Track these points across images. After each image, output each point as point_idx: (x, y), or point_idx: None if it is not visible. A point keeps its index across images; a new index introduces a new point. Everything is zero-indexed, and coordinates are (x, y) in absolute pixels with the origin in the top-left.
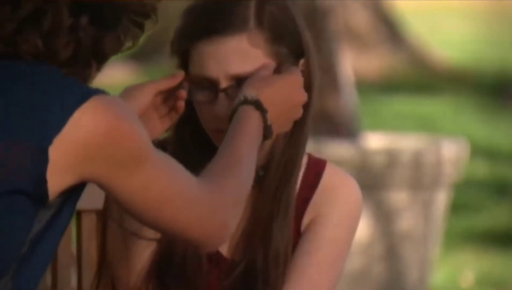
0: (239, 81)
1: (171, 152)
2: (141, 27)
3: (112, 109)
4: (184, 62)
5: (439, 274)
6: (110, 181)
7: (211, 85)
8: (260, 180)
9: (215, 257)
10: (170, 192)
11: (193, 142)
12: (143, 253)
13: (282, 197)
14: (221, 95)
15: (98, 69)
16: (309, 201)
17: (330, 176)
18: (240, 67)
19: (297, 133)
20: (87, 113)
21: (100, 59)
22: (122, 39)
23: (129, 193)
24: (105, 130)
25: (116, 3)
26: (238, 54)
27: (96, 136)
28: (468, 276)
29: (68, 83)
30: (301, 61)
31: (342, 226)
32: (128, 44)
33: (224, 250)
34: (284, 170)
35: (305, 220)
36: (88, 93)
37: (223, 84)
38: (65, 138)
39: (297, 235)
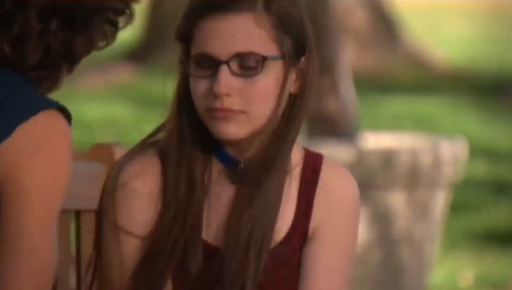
0: (242, 59)
1: (168, 146)
2: (115, 24)
3: (50, 133)
4: (187, 46)
5: (438, 274)
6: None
7: (212, 61)
8: (242, 172)
9: (212, 254)
10: (34, 241)
11: (191, 134)
12: (135, 252)
13: (260, 188)
14: (222, 69)
15: (70, 70)
16: (312, 202)
17: (329, 174)
18: (243, 45)
19: (286, 129)
20: (29, 127)
21: (71, 61)
22: (94, 39)
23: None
24: (35, 148)
25: (87, 3)
26: (243, 32)
27: (27, 152)
28: (467, 276)
29: (25, 94)
30: (302, 59)
31: (349, 231)
32: (103, 43)
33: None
34: (265, 162)
35: (312, 224)
36: (39, 107)
37: (225, 58)
38: (7, 147)
39: (303, 238)
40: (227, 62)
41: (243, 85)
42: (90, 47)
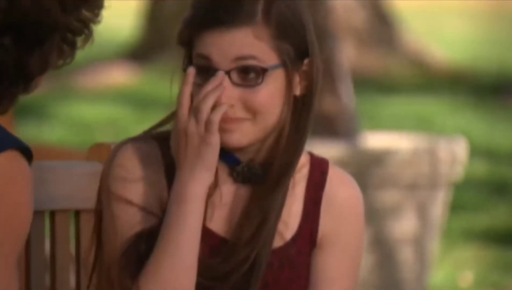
0: (241, 70)
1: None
2: (73, 44)
3: (11, 176)
4: (189, 52)
5: (438, 274)
6: None
7: (212, 69)
8: (258, 177)
9: (217, 245)
10: None
11: None
12: (131, 221)
13: (273, 188)
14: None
15: (25, 90)
16: (319, 205)
17: (335, 182)
18: (243, 56)
19: (299, 134)
20: None
21: (25, 79)
22: (49, 57)
23: None
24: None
25: (42, 21)
26: (243, 44)
27: None
28: (467, 275)
29: None
30: (305, 61)
31: (357, 240)
32: (60, 62)
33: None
34: (284, 167)
35: (320, 228)
36: (1, 148)
37: (225, 67)
38: None
39: (311, 241)
40: (227, 73)
41: (245, 95)
42: (44, 66)
